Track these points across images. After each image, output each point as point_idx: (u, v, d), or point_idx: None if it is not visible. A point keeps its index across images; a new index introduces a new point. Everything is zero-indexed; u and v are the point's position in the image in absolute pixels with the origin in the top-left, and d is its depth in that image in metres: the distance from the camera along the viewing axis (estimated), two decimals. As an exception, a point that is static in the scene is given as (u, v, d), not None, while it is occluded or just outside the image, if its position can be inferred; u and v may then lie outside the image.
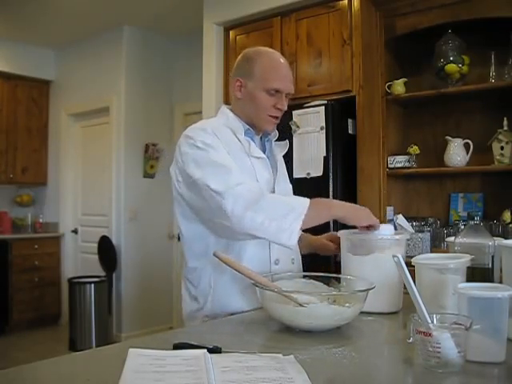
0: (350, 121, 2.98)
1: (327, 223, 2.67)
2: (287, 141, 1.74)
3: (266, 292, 1.22)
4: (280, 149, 1.71)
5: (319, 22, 3.09)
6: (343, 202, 1.48)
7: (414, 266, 1.23)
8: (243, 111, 1.60)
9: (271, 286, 1.25)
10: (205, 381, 0.81)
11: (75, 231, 5.40)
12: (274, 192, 1.59)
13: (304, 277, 1.43)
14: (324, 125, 2.83)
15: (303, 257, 1.72)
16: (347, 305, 1.17)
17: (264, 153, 1.63)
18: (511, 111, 2.81)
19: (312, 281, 1.40)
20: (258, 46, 1.70)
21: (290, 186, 1.79)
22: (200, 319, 1.55)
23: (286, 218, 1.34)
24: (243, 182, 1.41)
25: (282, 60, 1.60)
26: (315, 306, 1.16)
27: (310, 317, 1.15)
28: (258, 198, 1.37)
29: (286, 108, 1.59)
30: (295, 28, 3.19)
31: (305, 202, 1.38)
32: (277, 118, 1.59)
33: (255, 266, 1.39)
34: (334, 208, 1.46)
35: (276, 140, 1.71)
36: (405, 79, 3.03)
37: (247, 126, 1.60)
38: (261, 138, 1.67)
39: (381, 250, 1.40)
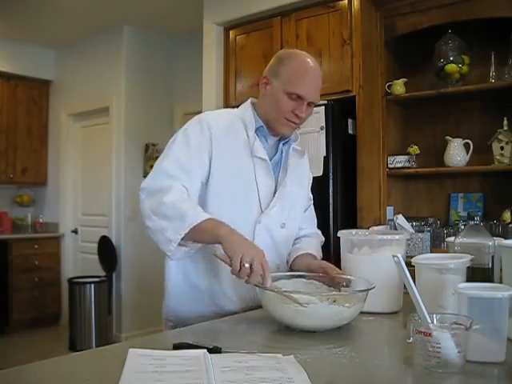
0: (350, 121, 2.98)
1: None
2: (305, 150, 1.67)
3: (266, 292, 1.22)
4: (298, 155, 1.63)
5: (319, 21, 3.08)
6: (236, 236, 1.32)
7: (413, 266, 1.23)
8: (263, 109, 1.55)
9: (271, 286, 1.25)
10: (205, 381, 0.81)
11: (75, 231, 5.39)
12: (274, 195, 1.53)
13: (304, 277, 1.43)
14: (324, 125, 2.83)
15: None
16: (347, 305, 1.17)
17: (276, 154, 1.58)
18: (511, 111, 2.81)
19: (312, 281, 1.41)
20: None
21: (310, 195, 1.73)
22: (166, 324, 1.53)
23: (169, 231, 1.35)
24: (172, 194, 1.40)
25: (313, 66, 1.51)
26: (315, 306, 1.16)
27: (310, 317, 1.15)
28: (160, 208, 1.42)
29: (305, 116, 1.51)
30: (295, 28, 3.19)
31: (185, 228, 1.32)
32: (294, 123, 1.52)
33: None
34: (220, 238, 1.30)
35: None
36: (405, 79, 3.03)
37: (261, 124, 1.55)
38: (279, 139, 1.60)
39: (381, 250, 1.40)
